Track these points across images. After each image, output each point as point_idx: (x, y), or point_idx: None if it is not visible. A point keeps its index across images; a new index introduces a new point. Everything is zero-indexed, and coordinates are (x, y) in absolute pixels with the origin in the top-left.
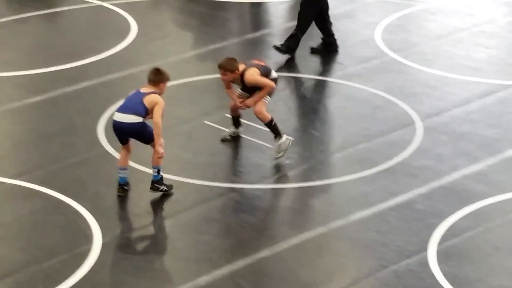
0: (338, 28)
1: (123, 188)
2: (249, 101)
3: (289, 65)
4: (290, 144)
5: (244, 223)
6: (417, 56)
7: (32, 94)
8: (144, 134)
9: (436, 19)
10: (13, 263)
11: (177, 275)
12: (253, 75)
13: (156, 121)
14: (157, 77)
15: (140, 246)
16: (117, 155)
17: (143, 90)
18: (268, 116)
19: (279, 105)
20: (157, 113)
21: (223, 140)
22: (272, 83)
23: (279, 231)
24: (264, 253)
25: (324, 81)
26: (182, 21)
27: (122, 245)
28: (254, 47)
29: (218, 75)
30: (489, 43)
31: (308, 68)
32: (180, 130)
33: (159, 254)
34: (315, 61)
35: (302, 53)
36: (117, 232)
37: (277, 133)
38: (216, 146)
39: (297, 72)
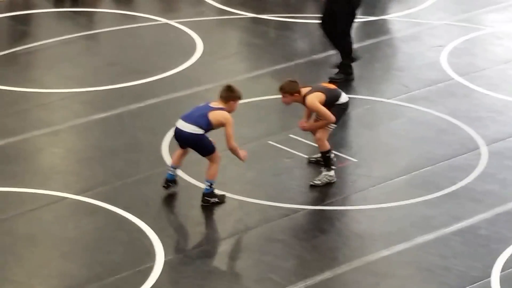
0: (404, 51)
1: (168, 184)
2: (307, 126)
3: (353, 86)
4: (333, 181)
5: (306, 245)
6: (483, 80)
7: (97, 111)
8: (202, 145)
9: (502, 43)
10: (75, 279)
11: None
12: (313, 100)
13: (231, 147)
14: (228, 94)
15: (202, 265)
16: (181, 173)
17: (212, 104)
18: (326, 146)
19: (345, 126)
20: (230, 136)
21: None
22: (330, 117)
23: (342, 253)
24: (326, 275)
25: (389, 103)
26: (248, 40)
27: (184, 264)
28: (320, 68)
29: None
30: None
31: (372, 90)
32: (244, 149)
33: (221, 274)
34: (379, 83)
35: (366, 74)
36: (180, 251)
37: (328, 165)
38: (280, 166)
39: (361, 94)
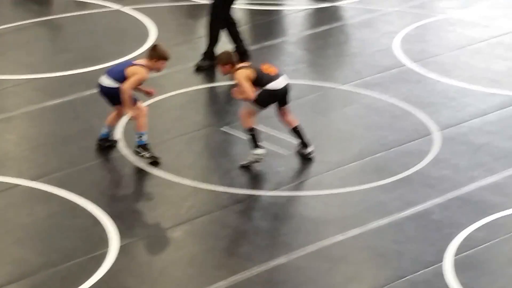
0: (356, 37)
1: (101, 143)
2: (233, 91)
3: (307, 72)
4: (260, 159)
5: (261, 230)
6: (436, 67)
7: (50, 97)
8: (119, 99)
9: (455, 29)
10: (30, 265)
11: (193, 281)
12: (240, 74)
13: (122, 88)
14: (150, 52)
15: (157, 251)
16: (134, 158)
17: (136, 61)
18: (248, 124)
19: (297, 112)
20: (128, 81)
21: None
22: (249, 93)
23: (296, 239)
24: (281, 260)
25: (342, 90)
26: (202, 27)
27: (138, 250)
28: (272, 53)
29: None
30: (508, 55)
31: (326, 76)
32: (198, 136)
33: (175, 260)
34: (332, 69)
35: (319, 60)
36: (134, 236)
37: (254, 144)
38: (234, 153)
39: (314, 80)
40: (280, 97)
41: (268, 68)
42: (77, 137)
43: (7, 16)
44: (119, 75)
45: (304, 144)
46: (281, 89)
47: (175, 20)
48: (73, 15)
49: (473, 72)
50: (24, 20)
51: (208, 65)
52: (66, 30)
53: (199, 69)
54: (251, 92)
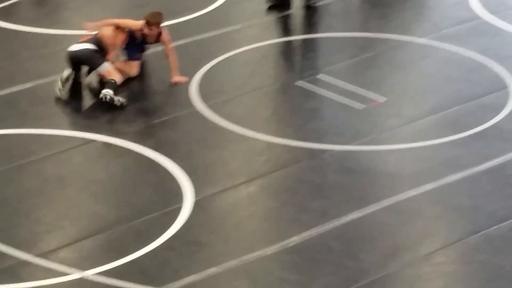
0: None
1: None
2: None
3: (383, 26)
4: (120, 103)
5: (335, 185)
6: None
7: None
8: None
9: None
10: (104, 220)
11: (267, 236)
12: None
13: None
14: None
15: (231, 206)
16: (208, 114)
17: None
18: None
19: (373, 66)
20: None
21: None
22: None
23: (370, 193)
24: (355, 215)
25: (418, 43)
26: None
27: (213, 204)
28: (341, 7)
29: (311, 36)
30: None
31: (402, 29)
32: (272, 90)
33: (250, 214)
34: (409, 22)
35: (395, 13)
36: (209, 191)
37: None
38: (308, 107)
39: (391, 33)
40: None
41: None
42: (152, 92)
43: None
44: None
45: None
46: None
47: None
48: None
49: None
50: None
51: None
52: None
53: (271, 8)
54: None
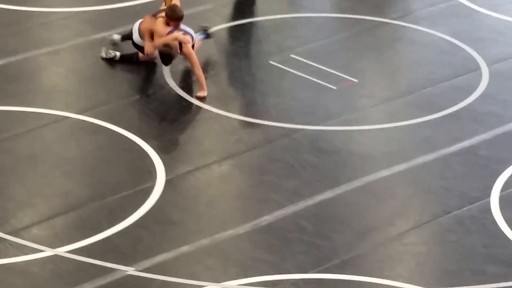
0: None
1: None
2: None
3: (352, 5)
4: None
5: (307, 165)
6: (485, 1)
7: (99, 30)
8: None
9: None
10: (77, 198)
11: (239, 215)
12: None
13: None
14: None
15: (203, 185)
16: (183, 93)
17: None
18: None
19: (345, 46)
20: None
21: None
22: None
23: (342, 174)
24: (327, 195)
25: (390, 24)
26: None
27: (185, 183)
28: None
29: (284, 16)
30: None
31: (374, 11)
32: (245, 69)
33: (222, 193)
34: (381, 4)
35: None
36: (181, 170)
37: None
38: (281, 87)
39: (363, 14)
40: None
41: None
42: (125, 70)
43: None
44: None
45: None
46: None
47: None
48: None
49: None
50: None
51: None
52: None
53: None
54: None
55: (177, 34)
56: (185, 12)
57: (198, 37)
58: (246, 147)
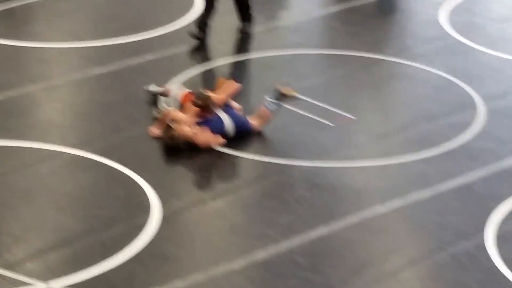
0: (402, 8)
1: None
2: None
3: (349, 42)
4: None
5: (302, 200)
6: (482, 39)
7: (95, 66)
8: None
9: (502, 1)
10: (71, 232)
11: (234, 251)
12: None
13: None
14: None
15: (199, 220)
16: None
17: None
18: None
19: (342, 83)
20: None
21: None
22: None
23: (337, 210)
24: (322, 231)
25: (386, 60)
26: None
27: (180, 218)
28: (311, 27)
29: (280, 53)
30: None
31: (370, 46)
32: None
33: (217, 229)
34: (376, 40)
35: (363, 32)
36: (177, 206)
37: None
38: (276, 122)
39: (358, 50)
40: None
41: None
42: (122, 105)
43: None
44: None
45: None
46: None
47: None
48: None
49: None
50: None
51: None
52: None
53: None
54: None
55: (186, 128)
56: (183, 49)
57: (269, 106)
58: (241, 183)
